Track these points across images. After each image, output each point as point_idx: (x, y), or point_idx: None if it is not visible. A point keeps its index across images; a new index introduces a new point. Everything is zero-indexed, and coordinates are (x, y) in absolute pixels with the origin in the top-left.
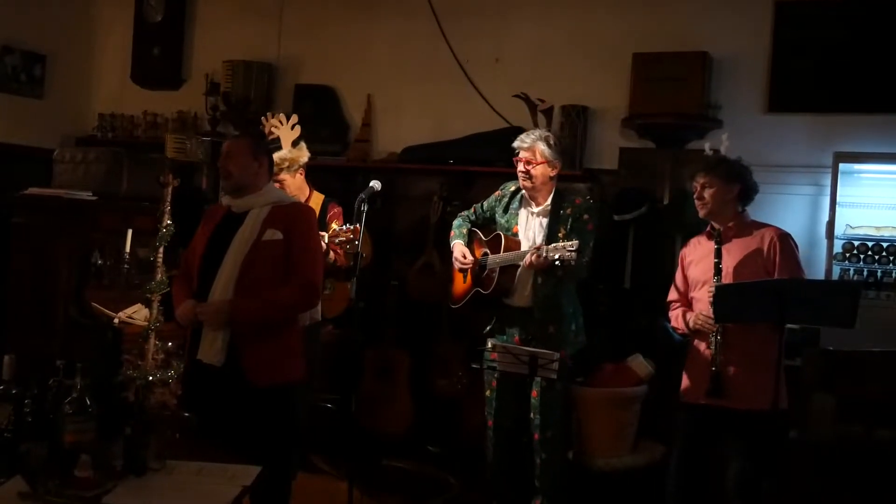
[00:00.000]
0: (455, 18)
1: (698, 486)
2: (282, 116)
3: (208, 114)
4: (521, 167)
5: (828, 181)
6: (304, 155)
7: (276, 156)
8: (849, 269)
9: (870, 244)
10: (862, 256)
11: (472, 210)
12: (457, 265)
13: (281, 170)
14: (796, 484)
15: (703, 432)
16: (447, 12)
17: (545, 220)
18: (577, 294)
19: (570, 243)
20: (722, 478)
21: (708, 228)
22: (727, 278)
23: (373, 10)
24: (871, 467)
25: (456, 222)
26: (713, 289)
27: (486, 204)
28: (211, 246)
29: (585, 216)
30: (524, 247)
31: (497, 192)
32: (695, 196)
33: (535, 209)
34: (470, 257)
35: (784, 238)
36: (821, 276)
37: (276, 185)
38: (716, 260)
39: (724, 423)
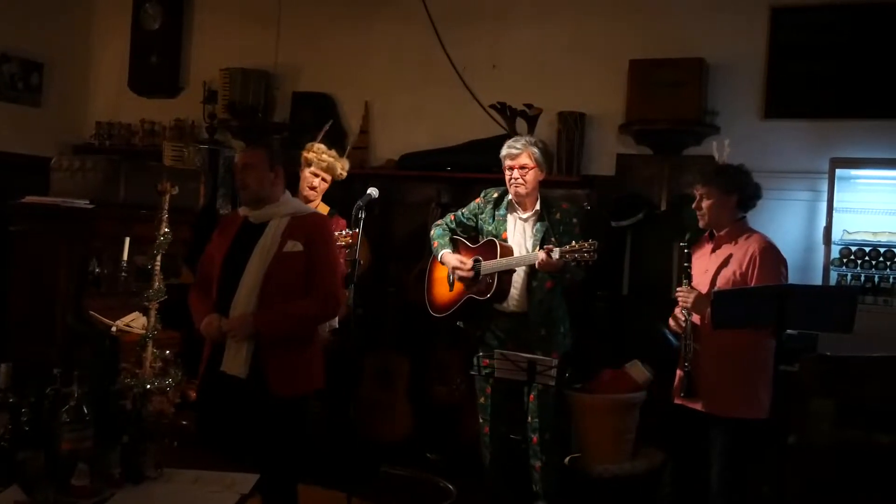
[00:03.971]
0: (452, 25)
1: (691, 489)
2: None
3: (206, 122)
4: (515, 174)
5: (825, 187)
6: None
7: (331, 155)
8: (846, 275)
9: (867, 249)
10: (859, 262)
11: (449, 218)
12: (458, 274)
13: (327, 167)
14: (795, 489)
15: (686, 432)
16: (444, 19)
17: (535, 226)
18: (565, 298)
19: (588, 243)
20: (707, 482)
21: (708, 232)
22: (705, 286)
23: (370, 18)
24: (870, 472)
25: (437, 232)
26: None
27: (467, 211)
28: (231, 257)
29: (574, 220)
30: (516, 252)
31: (478, 200)
32: (694, 206)
33: (524, 215)
34: (469, 263)
35: (765, 251)
36: (818, 281)
37: (308, 175)
38: (685, 265)
39: (701, 425)
